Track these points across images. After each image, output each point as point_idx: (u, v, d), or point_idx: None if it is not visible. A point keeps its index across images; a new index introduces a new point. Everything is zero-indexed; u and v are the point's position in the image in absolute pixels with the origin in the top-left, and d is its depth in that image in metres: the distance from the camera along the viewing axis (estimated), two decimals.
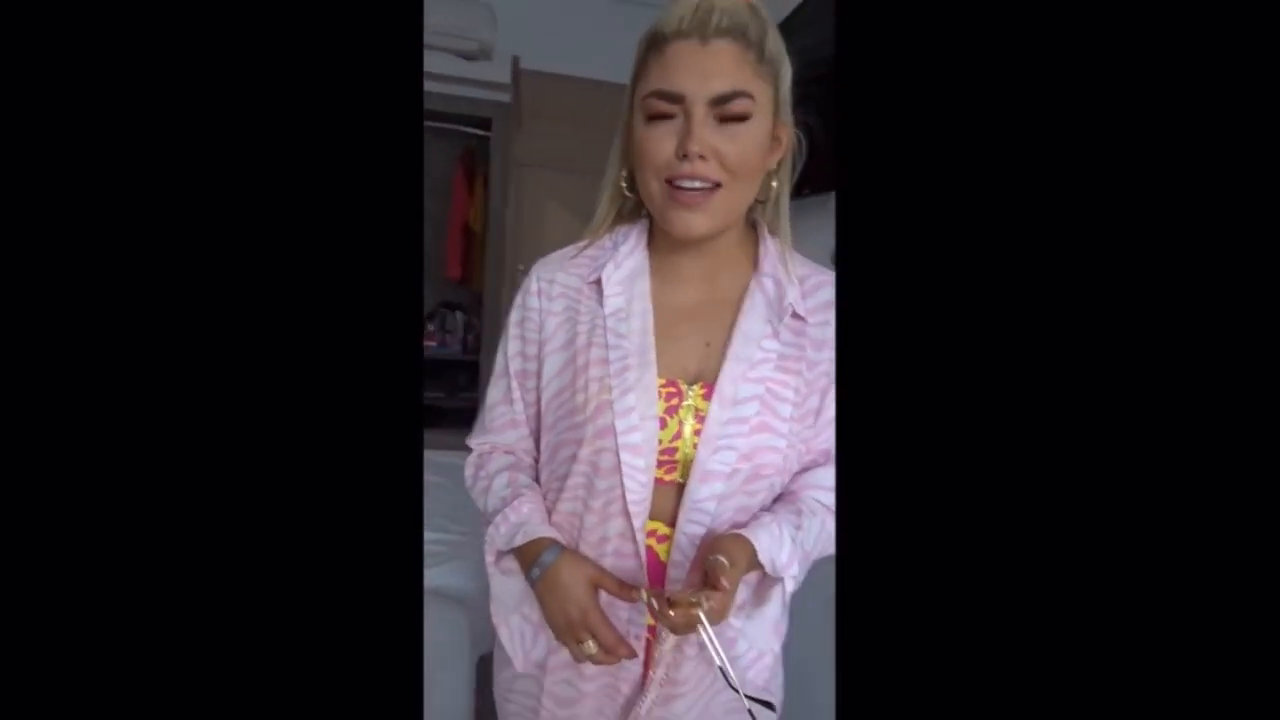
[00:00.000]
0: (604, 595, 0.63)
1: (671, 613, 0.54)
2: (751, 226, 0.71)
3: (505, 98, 2.96)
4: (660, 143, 0.58)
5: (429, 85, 2.69)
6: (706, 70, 0.56)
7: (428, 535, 1.66)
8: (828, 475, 0.67)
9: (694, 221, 0.60)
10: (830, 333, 0.65)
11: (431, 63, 2.25)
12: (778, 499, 0.67)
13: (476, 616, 1.45)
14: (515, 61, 2.87)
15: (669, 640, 0.62)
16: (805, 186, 1.28)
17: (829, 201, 1.28)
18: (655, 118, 0.58)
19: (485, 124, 3.15)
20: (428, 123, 2.72)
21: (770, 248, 0.68)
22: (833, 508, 0.65)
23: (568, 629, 0.61)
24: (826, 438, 0.67)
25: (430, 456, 2.10)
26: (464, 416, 3.43)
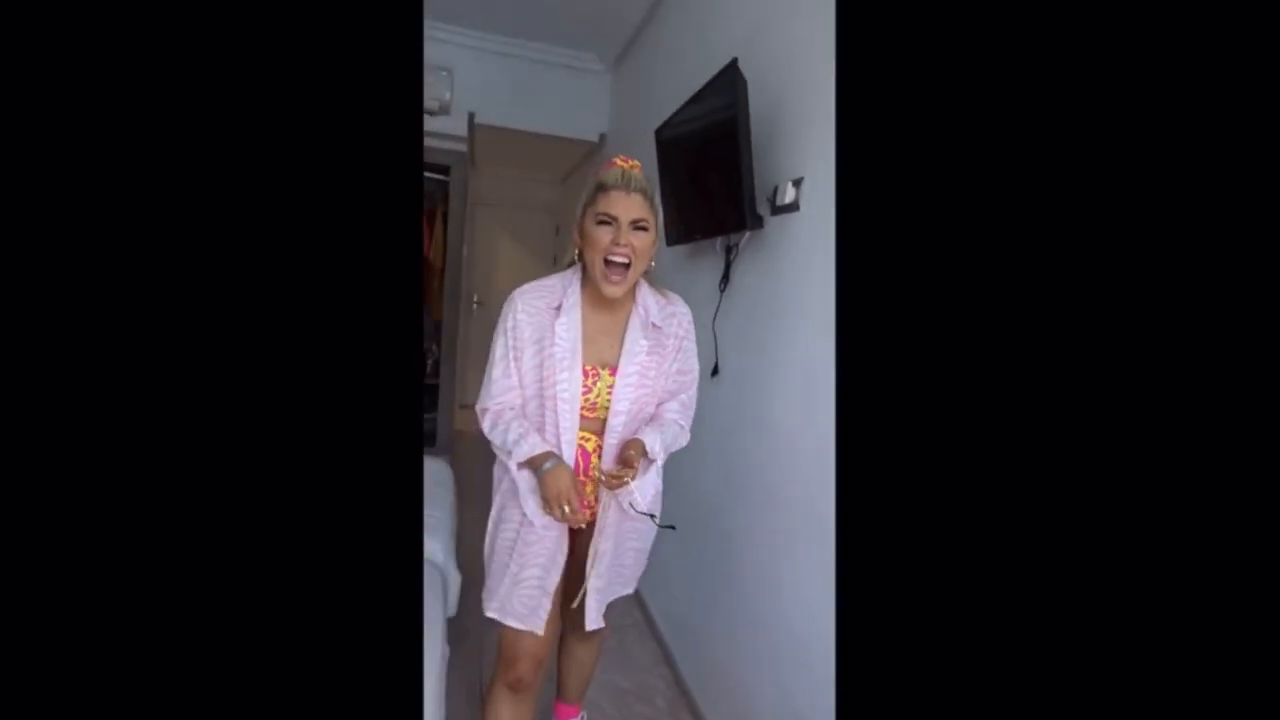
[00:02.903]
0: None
1: (612, 480, 1.19)
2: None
3: (462, 147, 3.35)
4: (603, 238, 1.18)
5: None
6: (629, 207, 1.17)
7: None
8: (673, 405, 1.32)
9: (617, 290, 1.19)
10: (674, 328, 1.28)
11: None
12: (651, 419, 1.32)
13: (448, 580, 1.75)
14: (471, 117, 3.28)
15: (605, 496, 1.27)
16: (696, 234, 1.72)
17: (703, 245, 1.72)
18: (601, 224, 1.18)
19: (444, 170, 3.50)
20: None
21: (643, 291, 1.29)
22: (677, 420, 1.31)
23: (554, 500, 1.20)
24: (672, 382, 1.32)
25: None
26: (427, 437, 3.60)
